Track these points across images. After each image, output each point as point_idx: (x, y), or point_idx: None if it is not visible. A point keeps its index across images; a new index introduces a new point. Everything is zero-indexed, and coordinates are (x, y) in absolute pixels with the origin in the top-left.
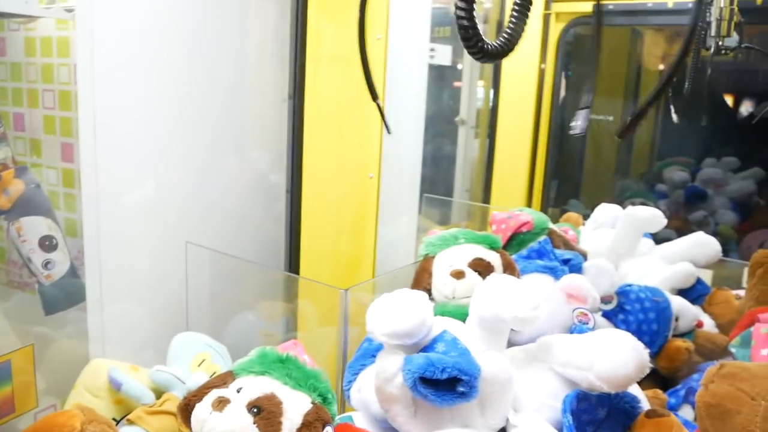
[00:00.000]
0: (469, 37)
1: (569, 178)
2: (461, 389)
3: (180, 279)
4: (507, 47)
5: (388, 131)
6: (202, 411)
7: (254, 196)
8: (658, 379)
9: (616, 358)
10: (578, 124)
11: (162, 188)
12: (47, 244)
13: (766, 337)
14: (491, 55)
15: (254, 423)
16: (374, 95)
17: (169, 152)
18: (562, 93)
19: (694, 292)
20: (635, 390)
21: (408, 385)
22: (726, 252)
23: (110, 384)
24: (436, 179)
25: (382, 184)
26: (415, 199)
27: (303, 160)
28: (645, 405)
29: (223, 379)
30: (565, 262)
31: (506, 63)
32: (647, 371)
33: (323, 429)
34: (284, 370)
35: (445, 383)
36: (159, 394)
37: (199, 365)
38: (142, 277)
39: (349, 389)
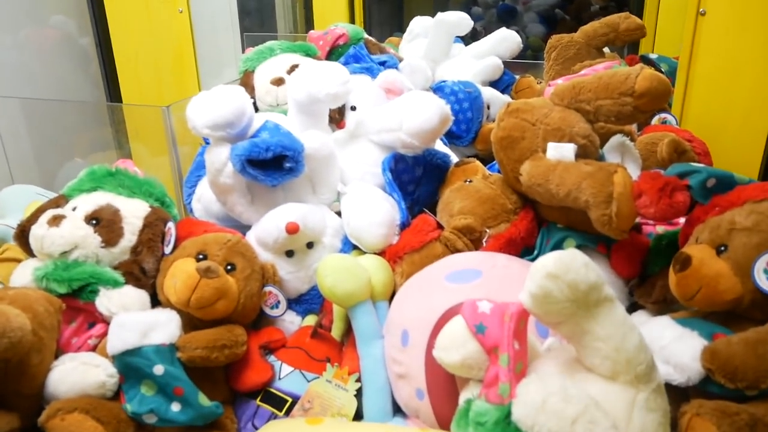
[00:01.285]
0: None
1: (390, 6)
2: (288, 165)
3: None
4: None
5: None
6: (38, 229)
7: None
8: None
9: (422, 114)
10: None
11: None
12: None
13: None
14: None
15: (95, 232)
16: None
17: None
18: None
19: (502, 83)
20: (446, 149)
21: (237, 169)
22: (536, 59)
23: None
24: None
25: (195, 19)
26: (236, 37)
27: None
28: (455, 159)
29: (56, 203)
30: (382, 64)
31: None
32: (450, 123)
33: (165, 227)
34: (116, 182)
35: (273, 163)
36: None
37: None
38: None
39: (190, 202)
